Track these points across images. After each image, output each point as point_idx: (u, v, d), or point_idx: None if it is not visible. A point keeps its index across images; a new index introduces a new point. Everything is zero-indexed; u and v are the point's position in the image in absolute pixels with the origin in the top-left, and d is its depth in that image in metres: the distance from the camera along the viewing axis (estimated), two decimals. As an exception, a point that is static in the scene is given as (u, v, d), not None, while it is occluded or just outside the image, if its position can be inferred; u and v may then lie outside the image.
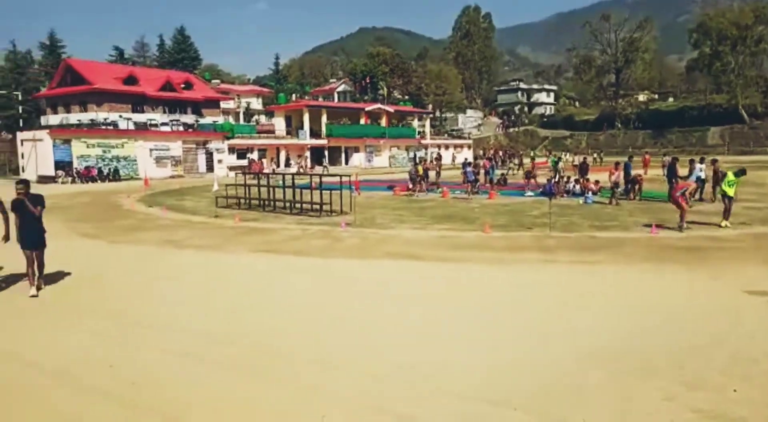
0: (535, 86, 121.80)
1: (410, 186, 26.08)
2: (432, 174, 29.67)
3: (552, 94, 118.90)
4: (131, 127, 43.44)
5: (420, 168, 26.29)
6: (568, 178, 24.68)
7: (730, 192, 14.46)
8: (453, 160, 63.29)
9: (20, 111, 56.94)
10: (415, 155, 62.01)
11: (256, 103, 73.80)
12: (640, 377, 5.30)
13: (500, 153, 51.10)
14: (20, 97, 59.19)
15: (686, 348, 6.00)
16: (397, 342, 6.43)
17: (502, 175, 30.42)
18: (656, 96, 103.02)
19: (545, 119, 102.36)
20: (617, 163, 20.61)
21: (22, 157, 42.49)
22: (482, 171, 28.29)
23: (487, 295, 8.47)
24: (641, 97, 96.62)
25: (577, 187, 23.05)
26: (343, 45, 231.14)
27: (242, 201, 21.14)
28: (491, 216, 17.01)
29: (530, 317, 7.28)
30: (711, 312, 7.33)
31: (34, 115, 57.22)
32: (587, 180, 23.26)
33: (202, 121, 49.47)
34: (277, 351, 6.21)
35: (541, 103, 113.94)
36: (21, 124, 52.13)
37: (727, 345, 6.05)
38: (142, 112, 45.93)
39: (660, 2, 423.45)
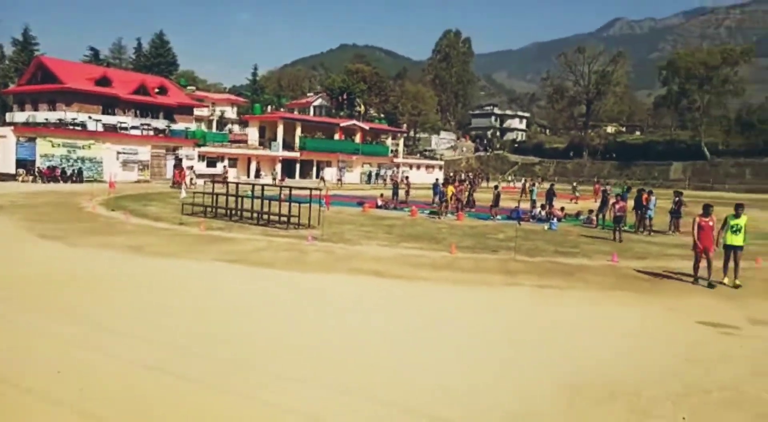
0: (508, 112, 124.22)
1: (378, 202, 26.05)
2: (401, 192, 29.79)
3: (524, 121, 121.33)
4: (100, 128, 42.56)
5: (450, 188, 24.76)
6: (535, 203, 25.12)
7: (735, 240, 11.32)
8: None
9: (-14, 106, 55.38)
10: (371, 173, 62.02)
11: (231, 112, 73.32)
12: (597, 404, 5.34)
13: (471, 175, 51.79)
14: (-13, 92, 57.60)
15: (642, 376, 6.08)
16: (356, 357, 6.37)
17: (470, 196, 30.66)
18: (624, 129, 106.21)
19: (516, 145, 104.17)
20: (618, 195, 20.63)
21: (-17, 152, 41.21)
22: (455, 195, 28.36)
23: (449, 316, 8.47)
24: (610, 129, 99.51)
25: (543, 212, 23.42)
26: (323, 60, 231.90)
27: (209, 209, 20.85)
28: (458, 237, 17.12)
29: (490, 341, 7.30)
30: (667, 342, 7.46)
31: (0, 112, 55.66)
32: (553, 206, 23.71)
33: (174, 126, 48.79)
34: (239, 363, 6.08)
35: (513, 129, 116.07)
36: (-15, 120, 50.60)
37: (681, 376, 6.16)
38: (113, 114, 45.09)
39: (633, 38, 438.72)
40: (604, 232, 19.93)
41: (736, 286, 11.01)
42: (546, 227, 20.76)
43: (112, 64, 75.71)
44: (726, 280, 11.31)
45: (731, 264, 11.24)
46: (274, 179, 48.10)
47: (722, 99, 77.76)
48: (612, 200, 20.08)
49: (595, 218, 22.57)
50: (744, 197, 45.51)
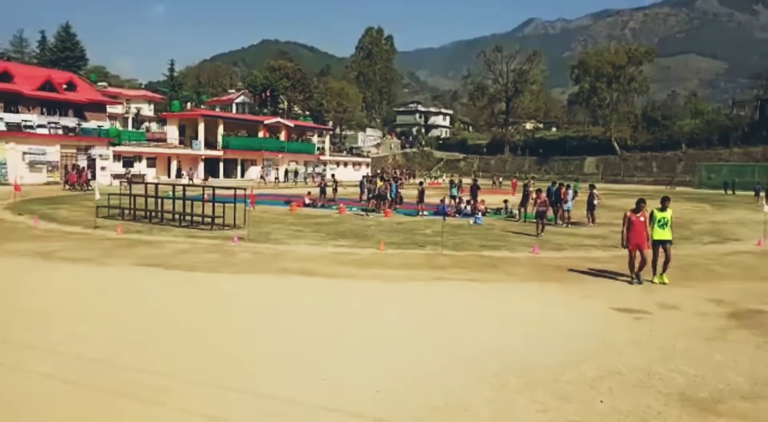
0: (432, 109, 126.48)
1: (307, 201, 25.83)
2: (329, 190, 29.67)
3: (448, 118, 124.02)
4: (2, 127, 39.60)
5: (378, 183, 25.04)
6: (461, 199, 25.75)
7: (663, 234, 10.99)
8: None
9: None
10: (296, 171, 60.99)
11: (148, 110, 70.33)
12: (520, 392, 5.54)
13: (398, 172, 52.48)
14: None
15: (561, 362, 6.37)
16: (283, 360, 6.29)
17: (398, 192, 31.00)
18: (542, 125, 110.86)
19: (441, 141, 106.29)
20: (540, 190, 20.78)
21: None
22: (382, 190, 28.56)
23: (378, 312, 8.53)
24: (528, 126, 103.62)
25: (469, 207, 24.04)
26: (244, 56, 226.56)
27: (127, 212, 19.91)
28: (386, 234, 17.26)
29: (417, 334, 7.41)
30: (583, 328, 7.86)
31: None
32: (477, 201, 24.40)
33: (85, 125, 46.16)
34: (163, 374, 5.83)
35: (438, 126, 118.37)
36: None
37: (597, 360, 6.50)
38: (17, 112, 42.05)
39: (547, 38, 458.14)
40: (526, 225, 20.72)
41: (663, 283, 10.70)
42: (471, 222, 21.32)
43: (14, 58, 70.61)
44: (656, 279, 10.85)
45: (661, 260, 10.82)
46: (191, 179, 46.61)
47: (629, 96, 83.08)
48: (534, 195, 20.67)
49: (518, 212, 23.42)
50: (651, 189, 48.71)
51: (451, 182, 31.00)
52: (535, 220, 18.68)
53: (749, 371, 6.16)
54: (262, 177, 55.06)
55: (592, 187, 22.36)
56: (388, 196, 24.35)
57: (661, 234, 10.90)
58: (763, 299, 9.58)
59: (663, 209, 10.94)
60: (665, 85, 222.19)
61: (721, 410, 5.18)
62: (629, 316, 8.46)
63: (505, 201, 26.00)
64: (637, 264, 10.85)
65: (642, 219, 10.86)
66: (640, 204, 10.97)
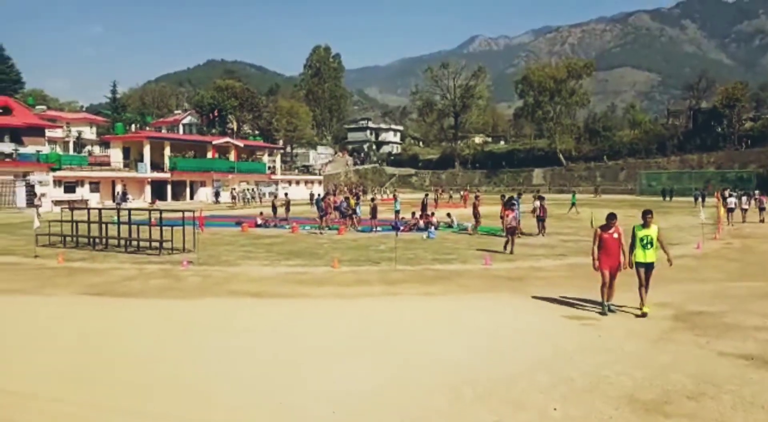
0: (382, 126, 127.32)
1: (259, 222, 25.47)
2: (281, 210, 29.37)
3: (398, 134, 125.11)
4: (-70, 154, 37.56)
5: (351, 201, 25.46)
6: (413, 214, 25.95)
7: (646, 256, 9.05)
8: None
9: None
10: (245, 191, 59.80)
11: (90, 133, 68.17)
12: (475, 401, 5.55)
13: (359, 189, 52.61)
14: None
15: (514, 371, 6.44)
16: (240, 385, 6.11)
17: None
18: (490, 139, 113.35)
19: (392, 157, 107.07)
20: (513, 204, 20.26)
21: None
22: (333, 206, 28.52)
23: (331, 330, 8.43)
24: (477, 140, 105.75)
25: (422, 222, 24.20)
26: (189, 76, 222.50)
27: (69, 239, 19.11)
28: (340, 251, 17.16)
29: (371, 351, 7.35)
30: (535, 336, 7.98)
31: None
32: (428, 215, 24.64)
33: (22, 150, 44.26)
34: (103, 407, 5.55)
35: (389, 142, 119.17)
36: None
37: (549, 367, 6.59)
38: (-53, 137, 39.99)
39: (491, 55, 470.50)
40: (478, 238, 21.00)
41: (642, 314, 8.87)
42: (425, 236, 21.45)
43: (-57, 82, 67.24)
44: (645, 308, 8.95)
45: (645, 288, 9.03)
46: (118, 203, 44.75)
47: (571, 109, 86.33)
48: (504, 211, 18.86)
49: (470, 225, 23.72)
50: (595, 199, 50.27)
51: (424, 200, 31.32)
52: (491, 234, 18.82)
53: (693, 371, 6.37)
54: (217, 197, 53.84)
55: (541, 198, 22.88)
56: (357, 212, 24.60)
57: (644, 255, 9.02)
58: (704, 301, 9.99)
59: (645, 225, 9.10)
60: (604, 98, 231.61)
61: (668, 410, 5.32)
62: (578, 323, 8.65)
63: (448, 214, 26.43)
64: (606, 290, 9.20)
65: (615, 236, 9.17)
66: (611, 219, 9.27)
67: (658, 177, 69.02)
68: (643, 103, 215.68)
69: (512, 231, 16.98)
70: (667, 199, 52.68)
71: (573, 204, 34.32)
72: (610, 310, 9.18)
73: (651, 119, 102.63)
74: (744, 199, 30.37)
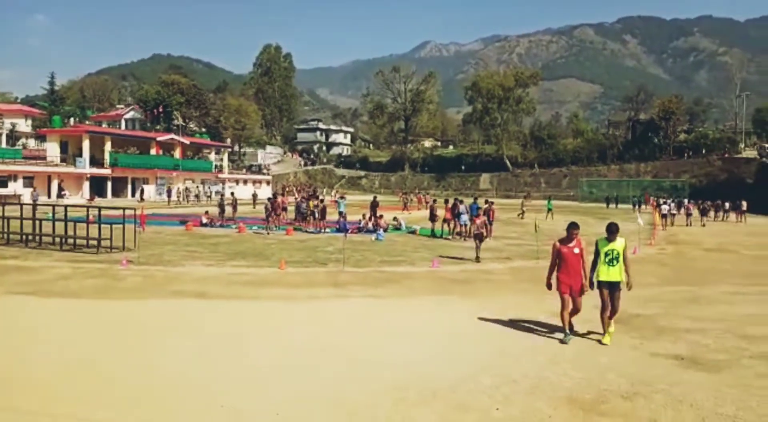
0: (333, 127, 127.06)
1: (204, 220, 24.87)
2: (228, 209, 28.77)
3: (349, 136, 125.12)
4: None
5: (311, 203, 25.39)
6: (363, 215, 25.92)
7: (611, 274, 7.83)
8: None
9: None
10: (187, 189, 57.99)
11: (24, 125, 64.71)
12: (420, 404, 5.58)
13: (314, 190, 52.08)
14: None
15: (459, 373, 6.51)
16: (180, 388, 5.92)
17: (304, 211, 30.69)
18: (440, 143, 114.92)
19: (342, 159, 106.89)
20: (485, 210, 21.27)
21: None
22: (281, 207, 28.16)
23: (276, 332, 8.30)
24: (427, 144, 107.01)
25: (370, 224, 24.22)
26: (133, 70, 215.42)
27: (-2, 236, 18.11)
28: (288, 252, 16.96)
29: (317, 352, 7.28)
30: (480, 339, 8.10)
31: None
32: (377, 217, 24.69)
33: (-51, 141, 41.72)
34: (36, 413, 5.27)
35: (339, 144, 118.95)
36: None
37: (493, 369, 6.70)
38: None
39: (442, 60, 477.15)
40: (427, 240, 21.19)
41: (603, 343, 7.78)
42: (373, 238, 21.48)
43: None
44: (605, 339, 7.82)
45: (608, 311, 7.86)
46: (59, 197, 42.88)
47: (518, 117, 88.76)
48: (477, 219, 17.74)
49: (417, 228, 23.95)
50: (541, 204, 51.61)
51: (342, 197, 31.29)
52: (449, 237, 18.72)
53: (628, 371, 6.62)
54: (163, 195, 52.09)
55: (488, 202, 23.38)
56: (316, 213, 24.39)
57: (608, 273, 7.82)
58: (640, 303, 10.38)
59: (611, 239, 7.86)
60: (549, 107, 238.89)
61: (604, 410, 5.51)
62: (523, 325, 8.84)
63: (395, 218, 26.71)
64: (566, 316, 7.94)
65: (576, 251, 7.89)
66: (572, 229, 8.00)
67: (598, 184, 71.77)
68: (586, 112, 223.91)
69: (480, 237, 16.24)
70: (612, 206, 54.54)
71: (549, 209, 35.22)
72: (572, 336, 7.94)
73: (593, 129, 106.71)
74: (672, 205, 33.78)
